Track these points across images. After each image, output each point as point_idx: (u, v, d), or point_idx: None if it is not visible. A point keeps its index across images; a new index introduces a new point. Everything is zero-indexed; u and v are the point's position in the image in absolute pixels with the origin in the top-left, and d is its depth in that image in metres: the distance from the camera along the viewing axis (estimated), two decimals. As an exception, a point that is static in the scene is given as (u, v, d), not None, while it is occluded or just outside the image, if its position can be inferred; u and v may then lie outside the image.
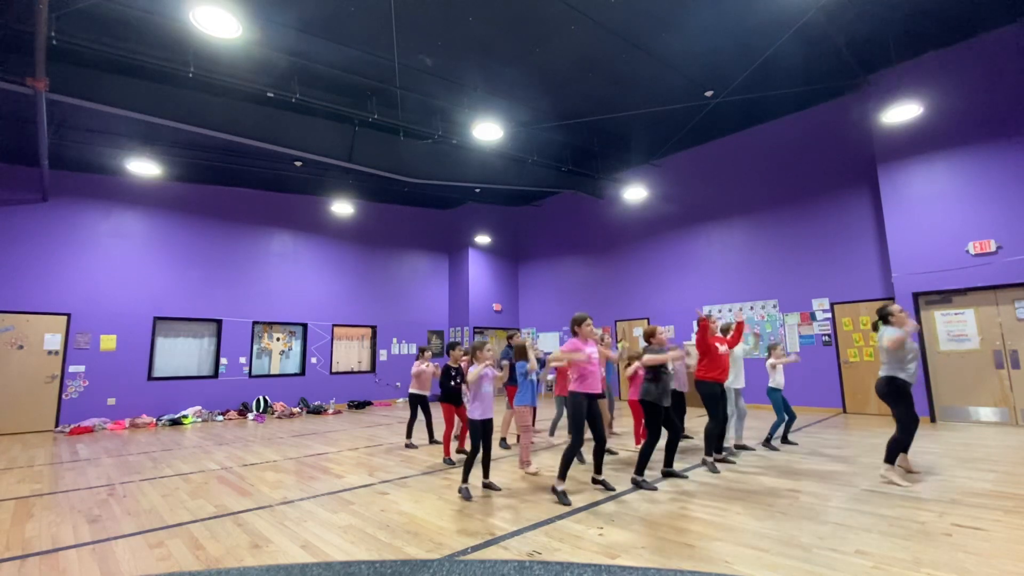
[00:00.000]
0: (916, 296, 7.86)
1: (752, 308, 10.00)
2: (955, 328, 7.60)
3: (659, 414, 4.57)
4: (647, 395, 4.60)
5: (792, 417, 5.98)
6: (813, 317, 9.20)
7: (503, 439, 6.49)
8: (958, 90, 7.68)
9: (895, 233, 8.09)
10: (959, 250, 7.52)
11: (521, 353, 5.30)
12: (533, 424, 5.17)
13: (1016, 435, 6.32)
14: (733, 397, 5.68)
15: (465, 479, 4.21)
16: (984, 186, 7.41)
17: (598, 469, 4.35)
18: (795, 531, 3.17)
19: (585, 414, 4.14)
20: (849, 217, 8.95)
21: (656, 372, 4.67)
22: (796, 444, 6.05)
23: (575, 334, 4.38)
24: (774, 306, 9.72)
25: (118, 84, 6.80)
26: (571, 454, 4.09)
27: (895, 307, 4.52)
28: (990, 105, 7.43)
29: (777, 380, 5.92)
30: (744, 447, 5.85)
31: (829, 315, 9.01)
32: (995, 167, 7.34)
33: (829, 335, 8.95)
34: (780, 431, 6.08)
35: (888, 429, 6.97)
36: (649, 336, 5.01)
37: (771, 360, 5.96)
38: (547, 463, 5.31)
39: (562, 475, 4.07)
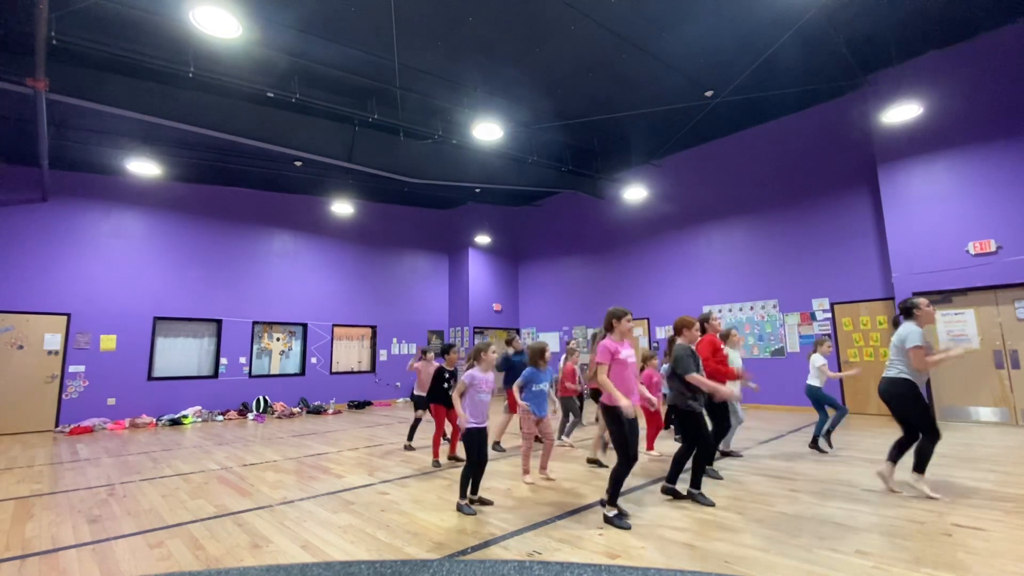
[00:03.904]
0: (916, 296, 7.86)
1: (752, 308, 10.00)
2: (955, 328, 7.59)
3: (699, 420, 3.91)
4: (683, 404, 3.95)
5: (825, 417, 5.63)
6: (813, 317, 9.20)
7: (496, 442, 6.24)
8: (958, 90, 7.68)
9: (895, 233, 8.09)
10: (959, 250, 7.52)
11: (535, 358, 4.63)
12: (551, 432, 4.68)
13: (1016, 435, 6.32)
14: (731, 406, 5.18)
15: (463, 495, 3.80)
16: (984, 186, 7.41)
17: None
18: (795, 531, 3.17)
19: (627, 430, 3.44)
20: (849, 217, 8.95)
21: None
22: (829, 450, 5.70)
23: (610, 330, 3.62)
24: (774, 306, 9.71)
25: (118, 84, 6.80)
26: (622, 475, 3.43)
27: (922, 300, 3.96)
28: (990, 105, 7.43)
29: (818, 378, 5.61)
30: (730, 454, 5.50)
31: (829, 315, 9.00)
32: (995, 167, 7.34)
33: (829, 335, 8.95)
34: (826, 428, 5.65)
35: (887, 429, 6.96)
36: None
37: (818, 360, 5.62)
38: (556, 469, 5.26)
39: (612, 499, 3.44)
